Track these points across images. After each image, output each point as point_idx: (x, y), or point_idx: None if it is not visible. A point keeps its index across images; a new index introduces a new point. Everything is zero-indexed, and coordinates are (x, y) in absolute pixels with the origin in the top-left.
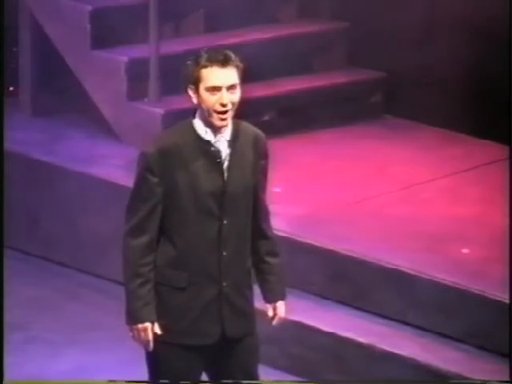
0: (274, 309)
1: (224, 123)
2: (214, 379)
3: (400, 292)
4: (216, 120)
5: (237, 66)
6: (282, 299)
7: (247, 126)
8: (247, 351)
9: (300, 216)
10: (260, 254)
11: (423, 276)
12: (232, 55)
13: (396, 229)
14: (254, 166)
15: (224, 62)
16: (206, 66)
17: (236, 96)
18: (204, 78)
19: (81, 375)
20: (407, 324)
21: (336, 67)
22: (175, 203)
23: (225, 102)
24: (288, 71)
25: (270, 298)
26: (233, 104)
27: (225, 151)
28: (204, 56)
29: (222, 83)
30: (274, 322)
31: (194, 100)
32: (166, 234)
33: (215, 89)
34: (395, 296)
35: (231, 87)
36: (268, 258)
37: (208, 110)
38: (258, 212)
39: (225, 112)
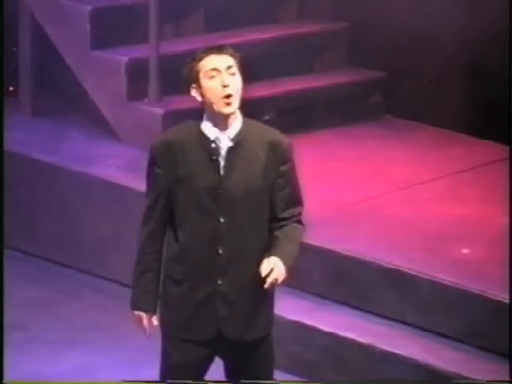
0: (269, 263)
1: (231, 109)
2: (231, 375)
3: (400, 292)
4: (222, 107)
5: (232, 55)
6: (282, 261)
7: (264, 129)
8: (256, 358)
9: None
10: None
11: (423, 276)
12: (227, 46)
13: (396, 229)
14: (266, 169)
15: (219, 50)
16: (202, 58)
17: (237, 80)
18: (202, 66)
19: (81, 375)
20: (407, 324)
21: (336, 67)
22: (177, 196)
23: (226, 82)
24: (288, 71)
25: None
26: (236, 90)
27: (225, 149)
28: (199, 52)
29: (220, 65)
30: (269, 280)
31: (198, 98)
32: (172, 227)
33: (214, 71)
34: (395, 296)
35: (229, 69)
36: (279, 235)
37: (215, 99)
38: (274, 217)
39: (229, 96)
